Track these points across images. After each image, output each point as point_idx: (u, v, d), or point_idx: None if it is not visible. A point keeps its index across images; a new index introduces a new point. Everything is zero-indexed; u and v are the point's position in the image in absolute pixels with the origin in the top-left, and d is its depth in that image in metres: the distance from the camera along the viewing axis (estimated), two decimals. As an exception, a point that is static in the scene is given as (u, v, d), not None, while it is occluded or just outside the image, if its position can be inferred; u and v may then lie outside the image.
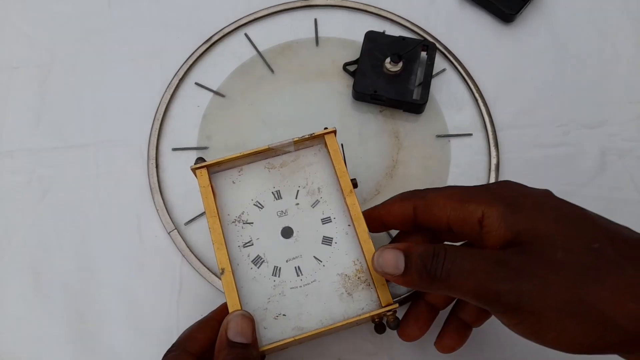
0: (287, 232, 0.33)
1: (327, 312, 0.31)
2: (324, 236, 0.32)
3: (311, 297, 0.31)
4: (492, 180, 0.44)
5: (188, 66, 0.48)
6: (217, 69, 0.48)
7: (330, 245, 0.32)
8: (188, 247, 0.42)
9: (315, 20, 0.50)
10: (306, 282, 0.31)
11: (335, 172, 0.33)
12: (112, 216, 0.43)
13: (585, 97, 0.48)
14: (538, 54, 0.50)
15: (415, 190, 0.32)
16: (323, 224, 0.33)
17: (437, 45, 0.48)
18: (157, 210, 0.43)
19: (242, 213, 0.33)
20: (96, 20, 0.50)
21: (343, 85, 0.47)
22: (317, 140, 0.34)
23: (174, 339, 0.37)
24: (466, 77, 0.48)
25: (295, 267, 0.32)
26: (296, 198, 0.33)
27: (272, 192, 0.33)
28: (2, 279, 0.41)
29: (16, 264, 0.42)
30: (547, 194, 0.28)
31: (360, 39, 0.47)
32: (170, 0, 0.51)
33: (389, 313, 0.30)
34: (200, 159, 0.33)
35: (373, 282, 0.31)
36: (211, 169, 0.33)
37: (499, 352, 0.40)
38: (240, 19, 0.50)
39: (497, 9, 0.50)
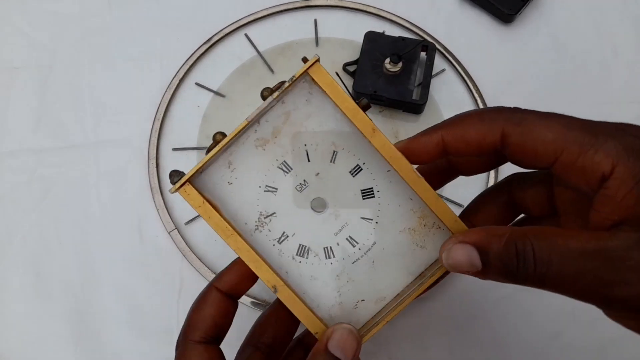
0: (318, 204, 0.26)
1: (404, 271, 0.26)
2: (361, 190, 0.26)
3: (379, 262, 0.26)
4: (492, 183, 0.44)
5: (188, 66, 0.48)
6: (217, 69, 0.48)
7: (374, 196, 0.26)
8: (188, 246, 0.42)
9: (315, 20, 0.50)
10: (366, 249, 0.26)
11: (343, 111, 0.24)
12: (112, 216, 0.43)
13: (584, 97, 0.48)
14: (537, 54, 0.50)
15: (501, 107, 0.23)
16: (354, 175, 0.26)
17: (437, 45, 0.48)
18: (158, 210, 0.43)
19: (260, 212, 0.26)
20: (97, 20, 0.50)
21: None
22: (301, 83, 0.26)
23: (174, 338, 0.37)
24: (466, 77, 0.48)
25: (347, 238, 0.26)
26: (308, 161, 0.26)
27: (279, 167, 0.26)
28: (3, 278, 0.42)
29: (17, 264, 0.42)
30: None
31: (360, 39, 0.47)
32: (170, 0, 0.51)
33: None
34: (175, 173, 0.24)
35: (443, 223, 0.25)
36: (195, 181, 0.25)
37: (499, 351, 0.40)
38: (241, 19, 0.50)
39: (496, 9, 0.50)
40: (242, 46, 0.49)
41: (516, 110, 0.23)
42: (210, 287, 0.26)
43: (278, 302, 0.26)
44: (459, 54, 0.49)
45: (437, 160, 0.25)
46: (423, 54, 0.46)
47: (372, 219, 0.26)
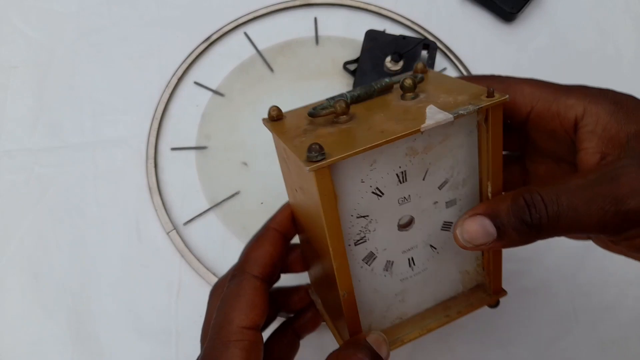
0: (406, 222, 0.26)
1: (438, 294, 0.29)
2: (444, 221, 0.26)
3: (420, 283, 0.28)
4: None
5: (187, 65, 0.47)
6: (216, 68, 0.48)
7: (449, 230, 0.27)
8: (187, 247, 0.41)
9: (315, 19, 0.50)
10: (417, 272, 0.27)
11: (486, 161, 0.24)
12: (110, 216, 0.43)
13: (586, 96, 0.47)
14: (539, 53, 0.49)
15: (491, 74, 0.27)
16: (447, 207, 0.26)
17: (438, 44, 0.48)
18: (156, 210, 0.43)
19: (356, 206, 0.24)
20: (95, 19, 0.50)
21: (343, 84, 0.47)
22: (477, 113, 0.24)
23: (173, 339, 0.37)
24: (466, 75, 0.48)
25: (409, 259, 0.27)
26: (423, 180, 0.25)
27: (397, 174, 0.24)
28: (1, 279, 0.41)
29: (15, 264, 0.42)
30: None
31: (360, 37, 0.47)
32: (169, -1, 0.51)
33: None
34: (317, 147, 0.21)
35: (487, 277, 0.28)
36: (333, 166, 0.22)
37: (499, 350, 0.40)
38: (240, 17, 0.49)
39: (498, 7, 0.50)
40: (242, 45, 0.49)
41: (500, 75, 0.27)
42: (268, 227, 0.28)
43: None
44: (460, 53, 0.49)
45: None
46: (424, 53, 0.46)
47: (436, 248, 0.27)
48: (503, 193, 0.25)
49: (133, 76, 0.48)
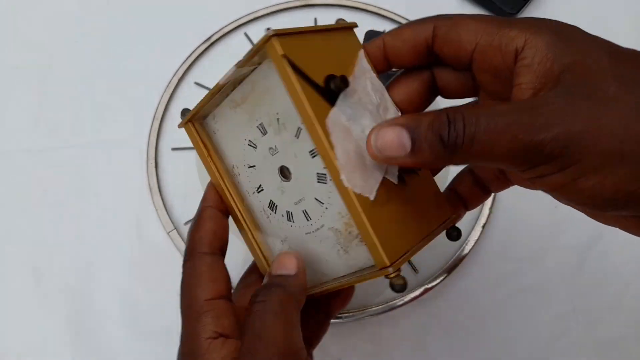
0: (285, 173, 0.27)
1: (331, 266, 0.27)
2: (317, 173, 0.25)
3: (324, 243, 0.27)
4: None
5: (187, 65, 0.48)
6: (216, 69, 0.47)
7: (326, 182, 0.25)
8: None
9: (315, 19, 0.50)
10: (317, 227, 0.26)
11: (291, 100, 0.23)
12: (111, 216, 0.43)
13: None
14: (539, 53, 0.50)
15: (438, 14, 0.25)
16: (312, 157, 0.25)
17: (438, 44, 0.48)
18: (157, 210, 0.43)
19: (244, 164, 0.28)
20: (95, 19, 0.50)
21: (343, 84, 0.47)
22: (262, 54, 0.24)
23: (172, 339, 0.37)
24: (467, 76, 0.48)
25: (303, 211, 0.27)
26: (279, 132, 0.26)
27: (257, 127, 0.26)
28: (1, 279, 0.41)
29: (16, 265, 0.42)
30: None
31: (360, 38, 0.47)
32: (169, -1, 0.51)
33: (391, 276, 0.24)
34: (187, 110, 0.28)
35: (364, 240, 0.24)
36: (198, 123, 0.28)
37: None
38: (240, 18, 0.50)
39: (497, 8, 0.50)
40: (242, 45, 0.49)
41: (450, 14, 0.25)
42: (202, 207, 0.28)
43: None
44: (459, 53, 0.49)
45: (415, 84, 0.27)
46: (424, 53, 0.46)
47: (323, 203, 0.26)
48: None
49: (134, 76, 0.48)
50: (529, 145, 0.20)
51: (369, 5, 0.50)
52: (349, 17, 0.51)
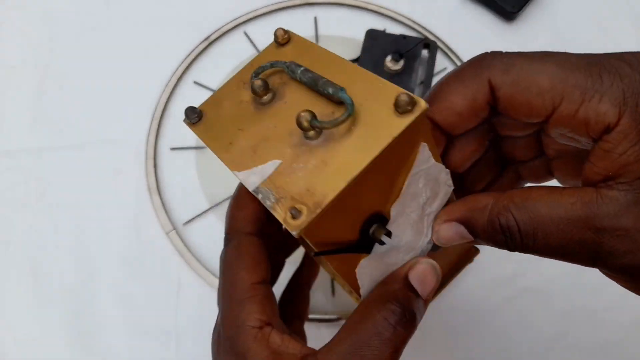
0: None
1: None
2: None
3: None
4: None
5: (187, 65, 0.47)
6: (216, 68, 0.48)
7: None
8: (186, 247, 0.41)
9: (315, 18, 0.50)
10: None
11: None
12: (110, 216, 0.43)
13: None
14: (540, 53, 0.49)
15: (482, 55, 0.20)
16: None
17: (439, 43, 0.48)
18: (155, 210, 0.43)
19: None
20: (94, 18, 0.50)
21: (343, 84, 0.47)
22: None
23: (172, 339, 0.37)
24: (467, 75, 0.47)
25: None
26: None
27: None
28: (1, 279, 0.41)
29: (14, 265, 0.42)
30: None
31: (360, 37, 0.47)
32: (168, -2, 0.51)
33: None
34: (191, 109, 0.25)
35: None
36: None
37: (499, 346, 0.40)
38: (240, 17, 0.49)
39: (498, 7, 0.49)
40: (241, 44, 0.49)
41: (502, 55, 0.20)
42: (243, 186, 0.26)
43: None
44: (461, 52, 0.48)
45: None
46: (425, 52, 0.46)
47: None
48: (483, 193, 0.22)
49: (132, 76, 0.47)
50: (598, 265, 0.18)
51: (370, 4, 0.50)
52: (349, 15, 0.50)
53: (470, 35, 0.50)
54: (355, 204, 0.20)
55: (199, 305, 0.40)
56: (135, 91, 0.47)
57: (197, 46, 0.48)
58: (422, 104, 0.18)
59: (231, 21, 0.49)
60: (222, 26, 0.49)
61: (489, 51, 0.20)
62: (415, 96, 0.18)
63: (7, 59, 0.48)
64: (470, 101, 0.20)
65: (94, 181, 0.44)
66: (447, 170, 0.22)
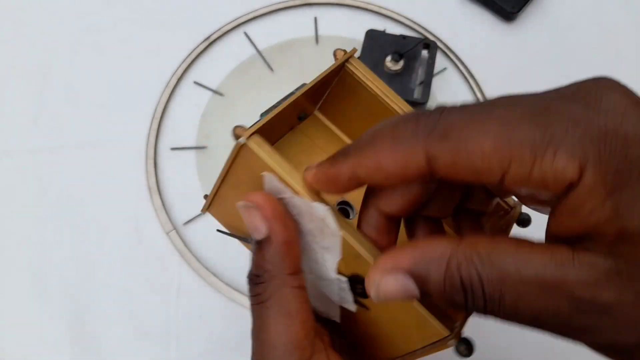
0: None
1: None
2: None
3: None
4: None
5: (187, 65, 0.47)
6: (216, 68, 0.48)
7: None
8: (187, 247, 0.41)
9: (315, 18, 0.50)
10: None
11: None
12: (110, 216, 0.43)
13: (587, 96, 0.47)
14: (540, 53, 0.49)
15: (418, 115, 0.17)
16: None
17: (438, 43, 0.48)
18: (156, 210, 0.43)
19: None
20: (94, 19, 0.50)
21: (343, 84, 0.47)
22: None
23: (172, 339, 0.37)
24: (467, 76, 0.47)
25: None
26: None
27: None
28: (1, 279, 0.41)
29: (14, 265, 0.41)
30: None
31: (360, 37, 0.47)
32: (169, -2, 0.51)
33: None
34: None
35: None
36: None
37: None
38: (240, 17, 0.49)
39: (498, 7, 0.50)
40: (242, 44, 0.49)
41: (439, 116, 0.16)
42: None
43: None
44: (460, 53, 0.48)
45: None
46: (424, 53, 0.46)
47: None
48: (438, 236, 0.19)
49: (133, 76, 0.47)
50: (577, 341, 0.16)
51: (370, 4, 0.50)
52: (349, 16, 0.50)
53: (470, 35, 0.50)
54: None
55: (199, 305, 0.40)
56: (135, 91, 0.47)
57: (198, 46, 0.48)
58: (241, 140, 0.20)
59: (231, 21, 0.49)
60: (222, 26, 0.49)
61: (427, 109, 0.17)
62: (242, 131, 0.20)
63: (8, 58, 0.48)
64: (401, 165, 0.17)
65: (94, 181, 0.44)
66: (325, 207, 0.19)
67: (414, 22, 0.49)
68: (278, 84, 0.46)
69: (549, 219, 0.16)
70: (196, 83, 0.47)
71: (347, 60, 0.25)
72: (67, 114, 0.46)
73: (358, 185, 0.19)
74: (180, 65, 0.47)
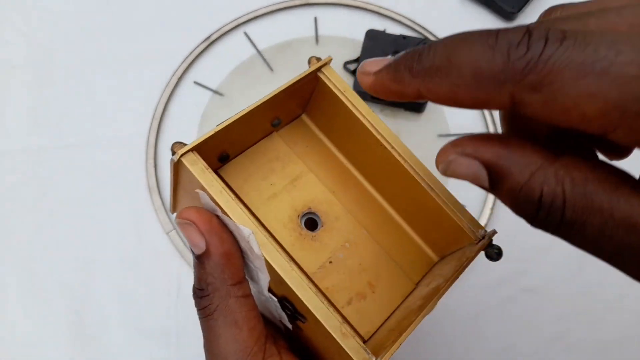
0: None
1: None
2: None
3: None
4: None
5: (187, 65, 0.47)
6: (216, 68, 0.48)
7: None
8: (187, 247, 0.41)
9: (315, 18, 0.50)
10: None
11: None
12: (110, 216, 0.43)
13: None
14: (540, 53, 0.49)
15: (510, 39, 0.14)
16: None
17: (438, 43, 0.48)
18: (156, 210, 0.43)
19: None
20: (94, 18, 0.50)
21: (343, 84, 0.47)
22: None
23: (172, 339, 0.37)
24: (467, 75, 0.47)
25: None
26: None
27: None
28: (1, 279, 0.41)
29: (14, 265, 0.42)
30: None
31: (360, 37, 0.47)
32: (169, -2, 0.51)
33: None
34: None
35: None
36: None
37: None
38: (240, 17, 0.49)
39: (498, 6, 0.50)
40: (242, 44, 0.49)
41: (538, 55, 0.13)
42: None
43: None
44: (460, 53, 0.48)
45: None
46: (424, 53, 0.46)
47: None
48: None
49: (133, 76, 0.47)
50: None
51: (370, 4, 0.50)
52: (349, 15, 0.50)
53: (470, 35, 0.50)
54: None
55: (199, 305, 0.40)
56: (135, 91, 0.47)
57: (198, 46, 0.48)
58: (174, 157, 0.21)
59: (231, 21, 0.49)
60: (223, 26, 0.49)
61: (519, 32, 0.14)
62: (178, 147, 0.21)
63: (8, 58, 0.48)
64: (480, 105, 0.15)
65: (94, 181, 0.44)
66: (249, 230, 0.20)
67: (414, 22, 0.49)
68: (278, 84, 0.46)
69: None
70: (196, 83, 0.47)
71: (319, 70, 0.25)
72: (67, 114, 0.46)
73: (420, 99, 0.17)
74: (180, 65, 0.47)
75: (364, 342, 0.23)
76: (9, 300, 0.41)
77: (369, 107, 0.25)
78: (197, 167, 0.21)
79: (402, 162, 0.24)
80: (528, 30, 0.14)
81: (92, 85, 0.47)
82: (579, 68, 0.13)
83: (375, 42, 0.46)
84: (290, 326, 0.24)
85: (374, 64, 0.18)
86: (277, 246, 0.21)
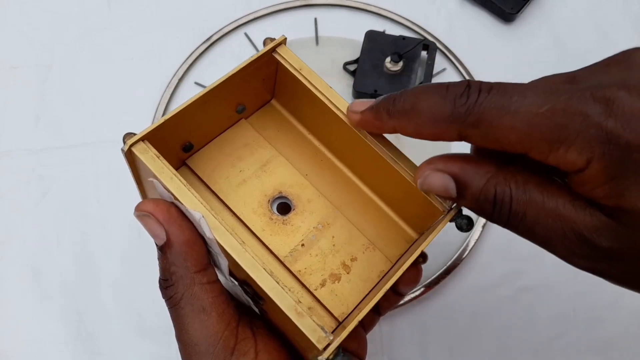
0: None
1: None
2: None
3: None
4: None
5: (188, 66, 0.47)
6: (216, 69, 0.48)
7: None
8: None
9: (315, 19, 0.50)
10: None
11: None
12: (111, 216, 0.43)
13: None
14: (538, 53, 0.50)
15: (455, 93, 0.20)
16: None
17: (438, 44, 0.48)
18: (157, 210, 0.43)
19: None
20: (96, 19, 0.50)
21: (343, 84, 0.47)
22: None
23: (173, 338, 0.37)
24: (466, 76, 0.48)
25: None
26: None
27: None
28: (1, 278, 0.41)
29: (16, 264, 0.42)
30: None
31: (360, 38, 0.47)
32: (169, -1, 0.51)
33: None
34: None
35: None
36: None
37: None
38: (240, 18, 0.50)
39: (497, 8, 0.50)
40: (242, 45, 0.49)
41: (474, 102, 0.19)
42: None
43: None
44: (459, 53, 0.49)
45: None
46: (424, 53, 0.46)
47: None
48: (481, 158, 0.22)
49: (134, 76, 0.48)
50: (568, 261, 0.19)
51: (369, 5, 0.50)
52: (349, 16, 0.51)
53: (469, 36, 0.50)
54: None
55: (200, 305, 0.40)
56: (136, 92, 0.47)
57: (198, 47, 0.48)
58: (123, 147, 0.21)
59: (232, 22, 0.49)
60: (223, 27, 0.49)
61: (460, 87, 0.20)
62: (129, 138, 0.21)
63: (9, 59, 0.49)
64: (438, 138, 0.21)
65: (95, 181, 0.44)
66: (199, 213, 0.21)
67: (414, 23, 0.50)
68: (278, 84, 0.47)
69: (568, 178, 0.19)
70: (197, 84, 0.47)
71: (273, 50, 0.25)
72: (68, 114, 0.46)
73: (394, 133, 0.23)
74: (181, 66, 0.48)
75: (339, 323, 0.24)
76: (10, 300, 0.41)
77: (326, 84, 0.25)
78: (147, 156, 0.21)
79: (364, 137, 0.24)
80: (468, 84, 0.20)
81: (93, 85, 0.47)
82: (500, 110, 0.19)
83: (375, 43, 0.46)
84: (256, 309, 0.24)
85: (360, 104, 0.23)
86: (229, 229, 0.21)
